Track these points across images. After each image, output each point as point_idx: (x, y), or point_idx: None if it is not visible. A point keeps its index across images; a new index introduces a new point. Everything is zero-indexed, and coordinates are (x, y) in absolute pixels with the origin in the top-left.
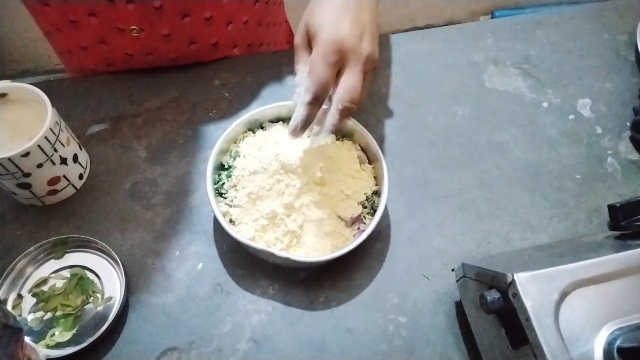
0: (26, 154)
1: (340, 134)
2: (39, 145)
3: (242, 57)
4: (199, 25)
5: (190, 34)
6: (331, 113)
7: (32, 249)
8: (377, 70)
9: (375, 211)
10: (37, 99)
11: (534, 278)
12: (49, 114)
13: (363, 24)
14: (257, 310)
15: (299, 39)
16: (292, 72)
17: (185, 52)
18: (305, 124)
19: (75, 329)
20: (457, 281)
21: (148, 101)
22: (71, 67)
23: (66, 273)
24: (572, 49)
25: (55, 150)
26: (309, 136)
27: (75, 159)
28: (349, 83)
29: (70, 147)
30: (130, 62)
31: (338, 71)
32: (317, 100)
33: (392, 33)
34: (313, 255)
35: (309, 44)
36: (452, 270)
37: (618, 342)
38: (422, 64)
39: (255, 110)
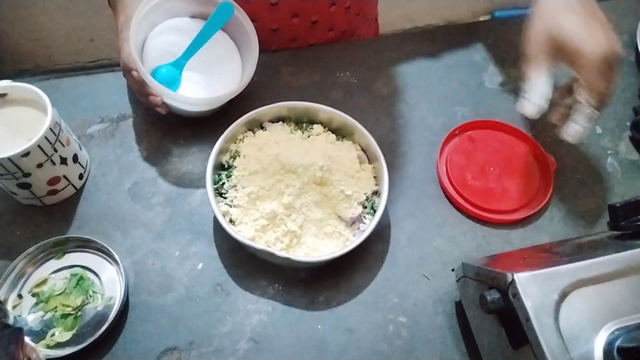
0: (26, 154)
1: (341, 134)
2: (39, 145)
3: None
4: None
5: (295, 6)
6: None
7: (32, 249)
8: (375, 71)
9: (375, 211)
10: (37, 99)
11: (534, 278)
12: (49, 114)
13: (601, 23)
14: (257, 310)
15: (537, 46)
16: (292, 72)
17: (287, 25)
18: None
19: (75, 329)
20: (457, 281)
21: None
22: None
23: (66, 273)
24: None
25: (55, 150)
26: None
27: (75, 159)
28: (614, 86)
29: (70, 147)
30: None
31: None
32: (599, 110)
33: (392, 33)
34: (313, 255)
35: (554, 53)
36: (452, 270)
37: (618, 342)
38: (422, 64)
39: (255, 110)
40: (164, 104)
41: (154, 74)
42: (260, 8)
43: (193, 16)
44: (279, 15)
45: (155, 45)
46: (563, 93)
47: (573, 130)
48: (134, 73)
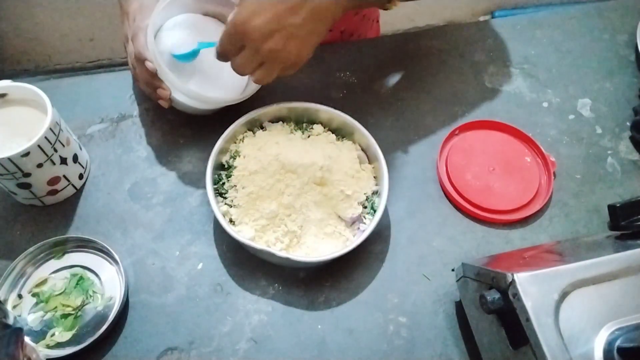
0: (26, 154)
1: (341, 134)
2: (39, 145)
3: None
4: None
5: None
6: None
7: (32, 249)
8: (375, 71)
9: (375, 211)
10: (37, 99)
11: (534, 278)
12: (49, 114)
13: (287, 23)
14: (257, 310)
15: None
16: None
17: None
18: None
19: (75, 329)
20: (457, 281)
21: (148, 101)
22: None
23: (66, 273)
24: (572, 49)
25: (55, 150)
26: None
27: (75, 159)
28: (239, 62)
29: (70, 147)
30: None
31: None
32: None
33: (392, 33)
34: (313, 255)
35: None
36: (452, 270)
37: (618, 342)
38: (422, 64)
39: (255, 110)
40: (169, 99)
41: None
42: None
43: (206, 14)
44: None
45: (166, 38)
46: None
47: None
48: (148, 64)
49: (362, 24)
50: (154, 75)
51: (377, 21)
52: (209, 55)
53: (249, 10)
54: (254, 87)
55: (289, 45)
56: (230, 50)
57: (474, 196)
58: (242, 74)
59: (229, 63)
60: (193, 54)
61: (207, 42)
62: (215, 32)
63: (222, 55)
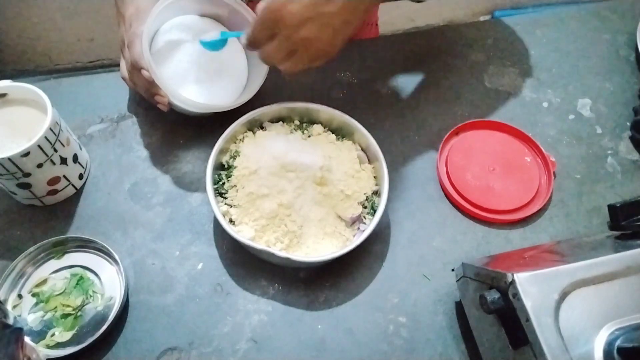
0: (26, 154)
1: (341, 134)
2: (39, 145)
3: None
4: None
5: None
6: None
7: (32, 249)
8: (375, 71)
9: (375, 211)
10: (37, 99)
11: (534, 278)
12: (49, 114)
13: (322, 11)
14: (257, 310)
15: None
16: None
17: None
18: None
19: (75, 329)
20: (457, 281)
21: (148, 101)
22: None
23: (66, 273)
24: (572, 49)
25: (55, 150)
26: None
27: (75, 159)
28: (268, 50)
29: (70, 147)
30: None
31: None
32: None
33: (392, 33)
34: (313, 255)
35: None
36: (452, 270)
37: (618, 342)
38: (422, 64)
39: (255, 110)
40: (168, 104)
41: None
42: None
43: (202, 15)
44: None
45: (163, 42)
46: None
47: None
48: (144, 72)
49: (362, 28)
50: (151, 83)
51: (377, 24)
52: (207, 61)
53: None
54: (250, 93)
55: (322, 34)
56: (262, 37)
57: (474, 196)
58: (270, 63)
59: (226, 67)
60: (221, 43)
61: (232, 32)
62: (213, 32)
63: (252, 43)
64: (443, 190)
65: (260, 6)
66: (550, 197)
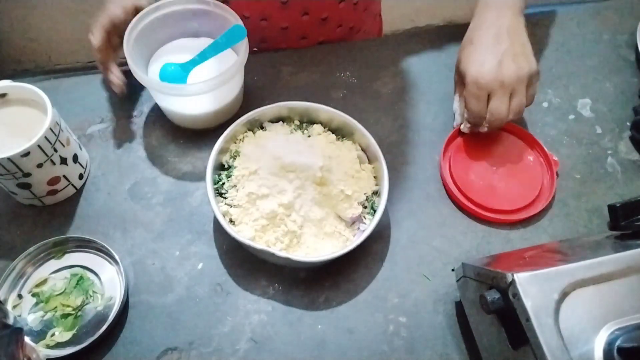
0: (26, 154)
1: (341, 134)
2: (39, 145)
3: None
4: None
5: (305, 4)
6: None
7: (32, 249)
8: (375, 71)
9: (375, 211)
10: (37, 99)
11: (534, 278)
12: (49, 114)
13: (501, 52)
14: (257, 310)
15: (456, 77)
16: (292, 72)
17: (297, 23)
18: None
19: (75, 329)
20: (457, 281)
21: (148, 101)
22: None
23: (66, 273)
24: (572, 49)
25: (55, 150)
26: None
27: (75, 159)
28: (493, 107)
29: (70, 147)
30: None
31: (489, 96)
32: (476, 126)
33: (392, 33)
34: (313, 255)
35: (462, 81)
36: (452, 270)
37: (618, 342)
38: (422, 64)
39: (255, 110)
40: (123, 86)
41: (163, 70)
42: (271, 7)
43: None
44: (289, 13)
45: (159, 65)
46: None
47: (466, 128)
48: (95, 37)
49: (368, 19)
50: (107, 54)
51: (380, 15)
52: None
53: (472, 61)
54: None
55: (518, 63)
56: (483, 108)
57: (477, 196)
58: (504, 117)
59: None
60: (183, 75)
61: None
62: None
63: (477, 118)
64: (446, 190)
65: (467, 82)
66: (554, 197)
